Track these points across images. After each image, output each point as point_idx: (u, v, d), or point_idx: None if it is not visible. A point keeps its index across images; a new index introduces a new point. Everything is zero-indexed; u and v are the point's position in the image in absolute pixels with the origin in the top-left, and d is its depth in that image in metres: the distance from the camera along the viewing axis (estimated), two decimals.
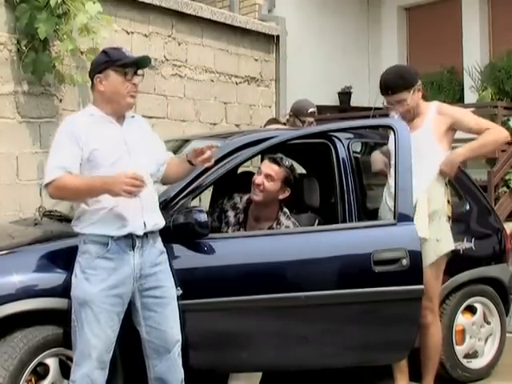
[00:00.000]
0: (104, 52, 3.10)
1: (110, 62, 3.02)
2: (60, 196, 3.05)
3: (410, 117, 3.70)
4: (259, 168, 3.77)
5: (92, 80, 3.07)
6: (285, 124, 5.19)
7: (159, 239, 3.11)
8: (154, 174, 3.17)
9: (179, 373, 3.11)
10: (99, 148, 2.96)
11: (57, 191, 2.95)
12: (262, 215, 3.75)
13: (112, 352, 2.96)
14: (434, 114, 3.72)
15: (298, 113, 5.05)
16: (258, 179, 3.70)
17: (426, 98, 3.85)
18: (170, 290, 3.10)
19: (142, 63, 3.10)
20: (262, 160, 3.99)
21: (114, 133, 3.04)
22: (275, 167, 3.70)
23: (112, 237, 2.94)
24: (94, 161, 2.95)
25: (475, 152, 3.76)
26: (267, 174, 3.68)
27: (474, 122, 3.73)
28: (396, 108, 3.69)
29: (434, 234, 3.55)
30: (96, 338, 2.89)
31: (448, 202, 3.72)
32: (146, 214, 3.00)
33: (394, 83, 3.64)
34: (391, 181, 3.67)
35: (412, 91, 3.63)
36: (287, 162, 3.75)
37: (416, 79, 3.69)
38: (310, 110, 5.03)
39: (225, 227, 3.77)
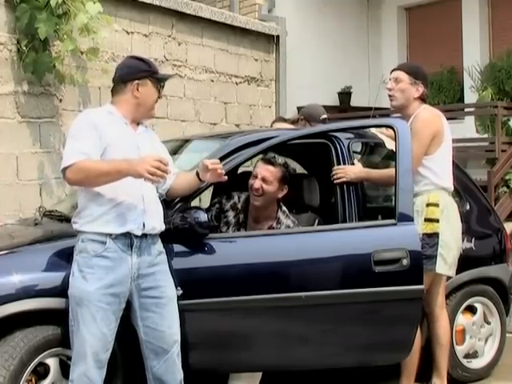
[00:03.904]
0: (141, 60, 3.18)
1: (151, 72, 3.11)
2: (80, 179, 2.93)
3: (396, 102, 3.83)
4: (253, 171, 3.74)
5: (124, 82, 3.09)
6: (293, 123, 5.16)
7: (158, 240, 3.12)
8: (159, 186, 3.20)
9: (178, 373, 3.11)
10: (113, 145, 2.98)
11: (77, 174, 2.90)
12: (262, 216, 3.75)
13: (110, 351, 2.96)
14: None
15: (310, 118, 4.98)
16: (255, 184, 3.67)
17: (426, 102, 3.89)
18: (169, 291, 3.10)
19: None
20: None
21: (129, 136, 3.08)
22: (270, 168, 3.68)
23: (110, 235, 2.94)
24: (106, 155, 2.96)
25: (376, 178, 3.86)
26: (264, 177, 3.66)
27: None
28: (389, 82, 3.88)
29: None
30: (92, 337, 2.89)
31: (427, 219, 3.68)
32: (146, 217, 3.01)
33: (405, 64, 4.03)
34: None
35: (411, 81, 3.80)
36: (280, 159, 3.73)
37: (421, 77, 3.86)
38: (323, 116, 5.01)
39: (224, 227, 3.77)
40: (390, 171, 3.71)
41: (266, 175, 3.66)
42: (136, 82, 3.06)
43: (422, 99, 3.84)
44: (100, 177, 2.90)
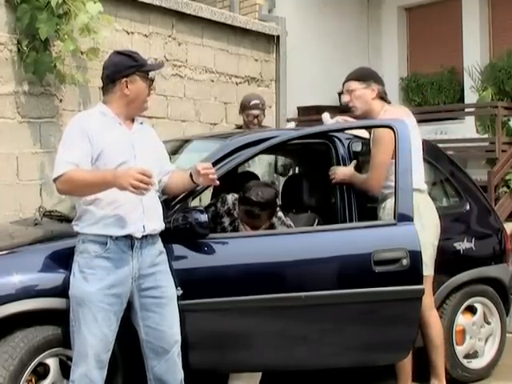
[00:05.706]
0: (126, 55, 3.11)
1: (137, 66, 3.05)
2: (68, 190, 2.96)
3: (359, 111, 3.85)
4: (241, 219, 3.67)
5: (112, 81, 3.05)
6: (241, 127, 5.16)
7: (159, 240, 3.12)
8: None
9: (178, 373, 3.11)
10: (108, 148, 2.97)
11: (65, 185, 2.91)
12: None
13: (111, 351, 2.96)
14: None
15: (242, 107, 5.05)
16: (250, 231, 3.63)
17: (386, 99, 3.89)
18: (169, 291, 3.10)
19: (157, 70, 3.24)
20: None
21: (123, 136, 3.05)
22: (259, 220, 3.59)
23: (111, 236, 2.94)
24: (101, 161, 2.96)
25: (357, 183, 3.73)
26: (256, 226, 3.61)
27: (377, 157, 3.67)
28: (345, 96, 3.92)
29: None
30: (93, 338, 2.89)
31: None
32: (146, 219, 3.00)
33: (351, 73, 3.97)
34: None
35: (362, 84, 3.82)
36: (260, 199, 3.54)
37: (370, 77, 3.88)
38: (253, 102, 4.96)
39: (220, 232, 3.75)
40: (364, 177, 3.72)
41: (258, 225, 3.62)
42: (124, 79, 3.02)
43: (381, 97, 3.84)
44: (87, 188, 2.90)
